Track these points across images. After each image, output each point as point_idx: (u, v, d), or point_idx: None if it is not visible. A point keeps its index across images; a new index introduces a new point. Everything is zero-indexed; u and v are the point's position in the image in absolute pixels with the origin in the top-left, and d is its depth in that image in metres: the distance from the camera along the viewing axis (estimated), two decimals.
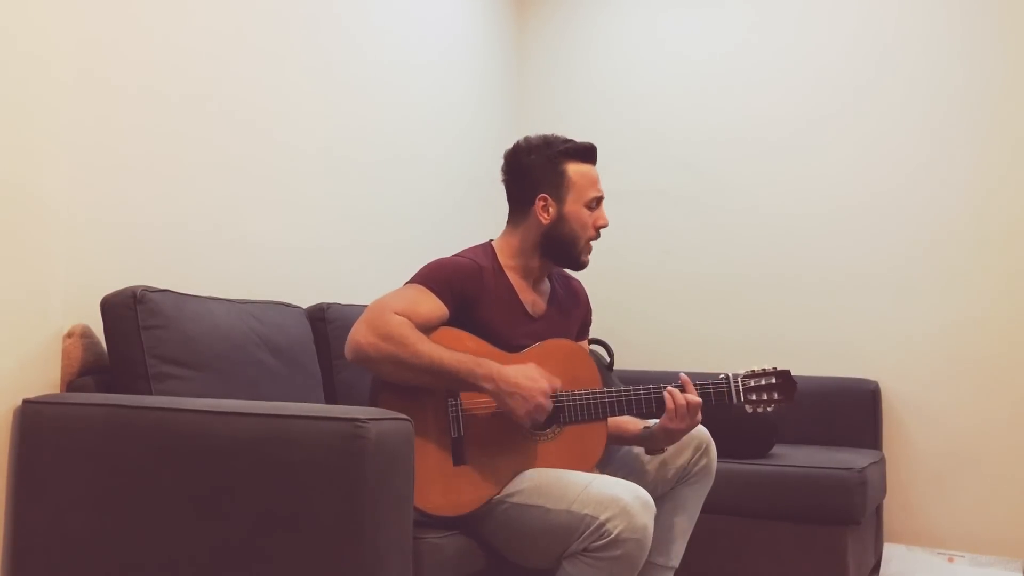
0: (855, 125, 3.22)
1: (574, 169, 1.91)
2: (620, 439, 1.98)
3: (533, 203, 1.90)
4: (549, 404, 1.70)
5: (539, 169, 1.91)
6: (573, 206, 1.90)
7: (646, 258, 3.52)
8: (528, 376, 1.69)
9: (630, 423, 1.96)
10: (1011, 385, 2.96)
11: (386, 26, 2.95)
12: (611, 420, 1.94)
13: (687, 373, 1.91)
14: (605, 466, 1.98)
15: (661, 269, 3.49)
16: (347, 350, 1.71)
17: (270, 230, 2.45)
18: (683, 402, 1.82)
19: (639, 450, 1.98)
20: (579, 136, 1.99)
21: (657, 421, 1.89)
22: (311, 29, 2.61)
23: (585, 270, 1.99)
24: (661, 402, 1.83)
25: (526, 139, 1.95)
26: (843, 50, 3.25)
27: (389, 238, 2.93)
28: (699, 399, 1.84)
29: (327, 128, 2.68)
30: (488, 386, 1.67)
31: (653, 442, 1.90)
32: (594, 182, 1.93)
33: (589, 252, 1.95)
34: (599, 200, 1.93)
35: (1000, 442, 2.96)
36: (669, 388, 1.83)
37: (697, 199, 3.45)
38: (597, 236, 1.94)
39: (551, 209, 1.90)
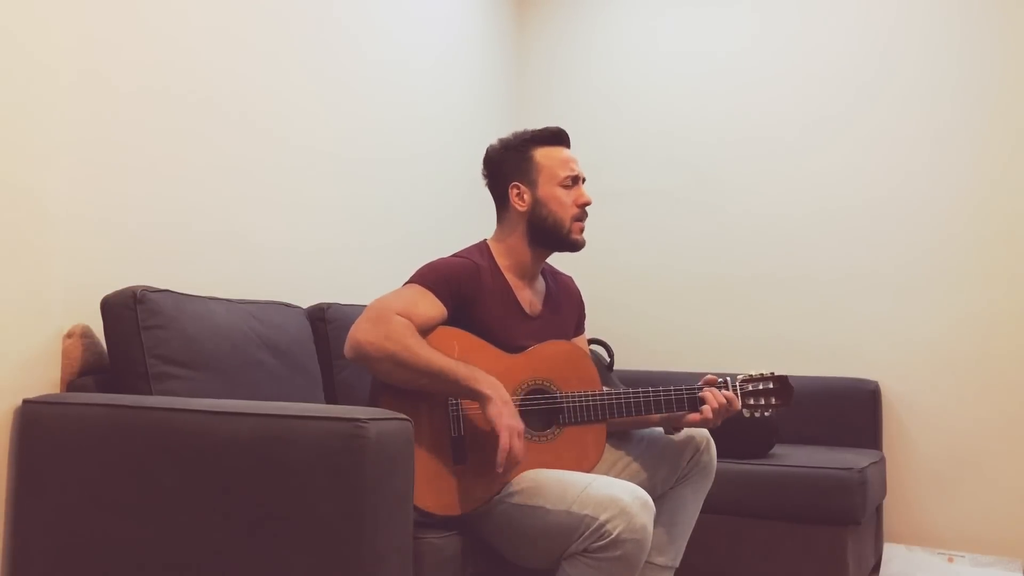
0: (856, 125, 3.22)
1: (541, 153, 1.92)
2: (646, 423, 1.98)
3: (508, 195, 1.91)
4: (521, 441, 1.68)
5: (509, 161, 1.93)
6: (546, 188, 1.90)
7: (646, 258, 3.52)
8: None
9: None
10: (1011, 385, 2.96)
11: (386, 26, 2.95)
12: None
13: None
14: (612, 464, 1.98)
15: (661, 269, 3.49)
16: (347, 348, 1.71)
17: (271, 230, 2.45)
18: (724, 400, 1.85)
19: (640, 450, 1.99)
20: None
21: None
22: (311, 29, 2.61)
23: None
24: (659, 404, 1.85)
25: (498, 139, 1.98)
26: (843, 51, 3.25)
27: (389, 238, 2.93)
28: (734, 396, 1.87)
29: (327, 128, 2.68)
30: (485, 390, 1.67)
31: (674, 423, 1.93)
32: (565, 162, 1.92)
33: (580, 232, 1.94)
34: (575, 179, 1.93)
35: (1000, 442, 2.96)
36: (710, 388, 1.86)
37: (697, 199, 3.45)
38: (583, 215, 1.94)
39: (525, 196, 1.91)
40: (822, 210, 3.25)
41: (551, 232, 1.91)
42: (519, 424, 1.68)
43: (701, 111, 3.47)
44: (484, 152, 1.99)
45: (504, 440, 1.64)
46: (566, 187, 1.91)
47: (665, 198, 3.50)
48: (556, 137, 1.95)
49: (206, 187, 2.25)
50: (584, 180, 1.95)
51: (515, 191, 1.91)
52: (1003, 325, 2.98)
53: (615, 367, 3.03)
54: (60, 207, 1.88)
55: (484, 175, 1.99)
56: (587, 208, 1.94)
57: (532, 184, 1.91)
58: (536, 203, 1.90)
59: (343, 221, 2.74)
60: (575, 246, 1.95)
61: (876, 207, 3.17)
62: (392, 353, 1.66)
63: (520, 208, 1.91)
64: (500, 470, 1.65)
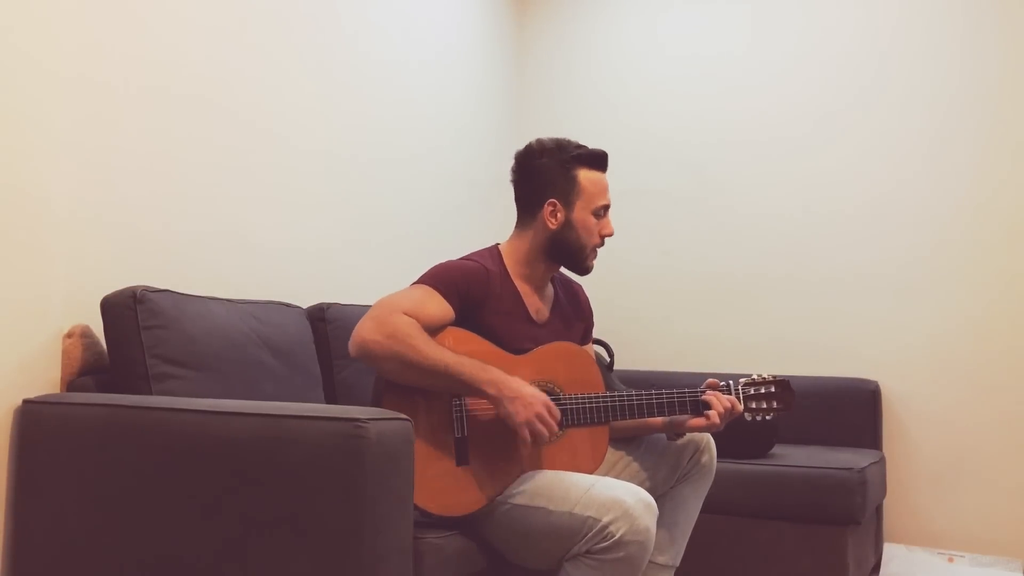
0: (857, 126, 3.22)
1: (585, 176, 1.90)
2: (648, 428, 1.98)
3: (542, 207, 1.90)
4: (549, 416, 1.68)
5: (550, 173, 1.90)
6: (581, 213, 1.90)
7: (646, 258, 3.52)
8: (530, 387, 1.70)
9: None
10: (1011, 385, 2.96)
11: (386, 25, 2.94)
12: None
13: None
14: (613, 465, 1.98)
15: (661, 269, 3.49)
16: (351, 346, 1.70)
17: (270, 230, 2.45)
18: (729, 404, 1.85)
19: (640, 450, 1.98)
20: (579, 135, 1.99)
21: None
22: (311, 29, 2.61)
23: None
24: (662, 407, 1.84)
25: (539, 141, 1.94)
26: (843, 52, 3.25)
27: (388, 238, 2.93)
28: (736, 400, 1.87)
29: (327, 128, 2.68)
30: (490, 391, 1.67)
31: (677, 428, 1.92)
32: (604, 190, 1.92)
33: (595, 258, 1.95)
34: (606, 208, 1.93)
35: (1000, 442, 2.96)
36: (714, 392, 1.86)
37: (698, 199, 3.45)
38: (601, 244, 1.94)
39: (559, 215, 1.89)
40: (822, 211, 3.25)
41: (572, 254, 1.92)
42: (537, 407, 1.66)
43: (702, 111, 3.46)
44: (524, 148, 1.94)
45: (524, 436, 1.66)
46: (597, 216, 1.91)
47: (665, 198, 3.50)
48: (601, 161, 1.93)
49: (206, 187, 2.25)
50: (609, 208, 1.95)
51: (550, 208, 1.89)
52: (1003, 325, 2.98)
53: (615, 367, 3.03)
54: (60, 207, 1.88)
55: (515, 172, 1.96)
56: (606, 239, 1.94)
57: (569, 205, 1.89)
58: (567, 224, 1.90)
59: (343, 221, 2.73)
60: (585, 271, 1.96)
61: (876, 208, 3.17)
62: (396, 351, 1.66)
63: (551, 225, 1.90)
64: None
